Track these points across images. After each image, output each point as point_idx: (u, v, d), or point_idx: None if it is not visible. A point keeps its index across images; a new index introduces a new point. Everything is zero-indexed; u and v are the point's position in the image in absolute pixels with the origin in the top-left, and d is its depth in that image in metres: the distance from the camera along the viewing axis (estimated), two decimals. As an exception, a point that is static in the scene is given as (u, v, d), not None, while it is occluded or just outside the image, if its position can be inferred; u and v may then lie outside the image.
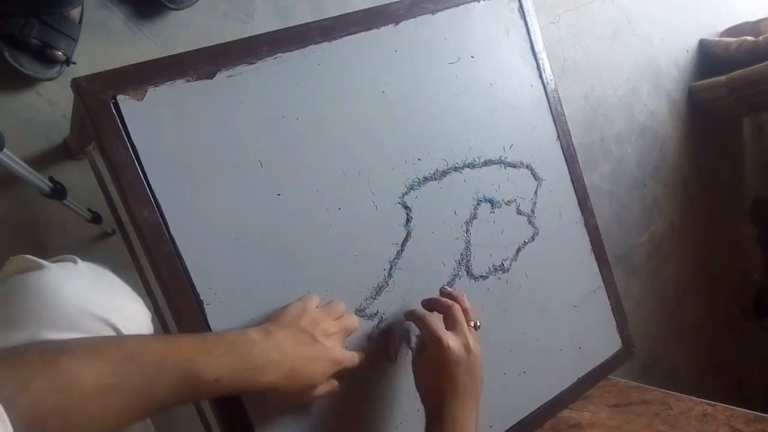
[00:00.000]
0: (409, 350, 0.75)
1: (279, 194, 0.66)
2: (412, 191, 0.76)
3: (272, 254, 0.65)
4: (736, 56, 1.99)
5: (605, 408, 0.96)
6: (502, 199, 0.84)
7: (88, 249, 1.04)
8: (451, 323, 0.67)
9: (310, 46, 0.70)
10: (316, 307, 0.64)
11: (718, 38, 2.11)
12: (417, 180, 0.76)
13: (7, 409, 0.36)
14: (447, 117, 0.80)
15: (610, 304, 0.96)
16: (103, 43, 1.04)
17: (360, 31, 0.73)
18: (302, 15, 1.25)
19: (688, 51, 2.06)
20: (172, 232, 0.60)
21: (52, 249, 1.01)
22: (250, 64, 0.66)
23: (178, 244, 0.60)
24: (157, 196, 0.60)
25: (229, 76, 0.64)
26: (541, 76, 0.89)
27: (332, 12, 1.27)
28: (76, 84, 0.57)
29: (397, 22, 0.76)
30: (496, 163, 0.84)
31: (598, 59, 1.80)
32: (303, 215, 0.68)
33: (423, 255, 0.76)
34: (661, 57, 1.98)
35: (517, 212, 0.86)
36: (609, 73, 1.83)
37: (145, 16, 1.07)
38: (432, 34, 0.79)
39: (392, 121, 0.75)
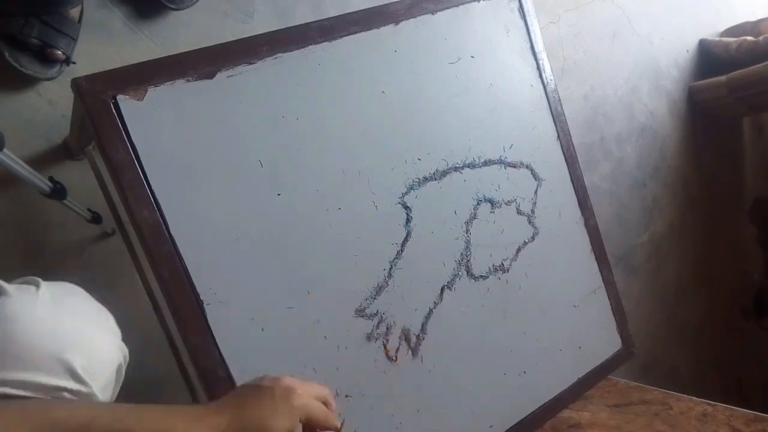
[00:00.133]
0: (409, 350, 0.75)
1: (279, 194, 0.66)
2: (412, 191, 0.76)
3: (272, 254, 0.65)
4: (736, 56, 1.98)
5: (605, 408, 0.96)
6: (502, 199, 0.84)
7: (88, 249, 1.04)
8: None
9: (310, 46, 0.70)
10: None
11: (718, 38, 2.11)
12: (417, 180, 0.76)
13: None
14: (447, 117, 0.79)
15: (610, 304, 0.96)
16: (103, 43, 1.04)
17: (360, 31, 0.73)
18: (302, 15, 1.25)
19: (688, 51, 2.06)
20: (172, 232, 0.60)
21: (52, 249, 1.01)
22: (250, 64, 0.66)
23: (178, 244, 0.60)
24: (157, 196, 0.60)
25: (229, 76, 0.64)
26: (541, 76, 0.89)
27: (332, 12, 1.27)
28: (76, 84, 0.57)
29: (397, 22, 0.76)
30: (496, 163, 0.84)
31: (598, 59, 1.80)
32: (303, 215, 0.68)
33: (423, 255, 0.76)
34: (661, 57, 1.97)
35: (517, 212, 0.86)
36: (609, 73, 1.83)
37: (145, 16, 1.07)
38: (432, 34, 0.79)
39: (392, 121, 0.75)
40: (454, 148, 0.80)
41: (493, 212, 0.83)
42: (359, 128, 0.72)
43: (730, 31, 2.14)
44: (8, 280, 0.55)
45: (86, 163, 0.96)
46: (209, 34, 1.13)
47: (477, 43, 0.83)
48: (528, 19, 0.88)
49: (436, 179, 0.78)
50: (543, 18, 1.67)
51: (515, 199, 0.85)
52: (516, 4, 0.87)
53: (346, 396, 0.70)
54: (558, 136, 0.90)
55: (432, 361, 0.76)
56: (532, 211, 0.87)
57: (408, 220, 0.76)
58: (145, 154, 0.59)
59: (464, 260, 0.80)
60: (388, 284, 0.73)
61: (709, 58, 2.08)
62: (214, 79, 0.64)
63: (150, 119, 0.60)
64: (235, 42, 0.66)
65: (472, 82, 0.82)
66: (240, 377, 0.63)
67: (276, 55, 0.67)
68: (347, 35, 0.72)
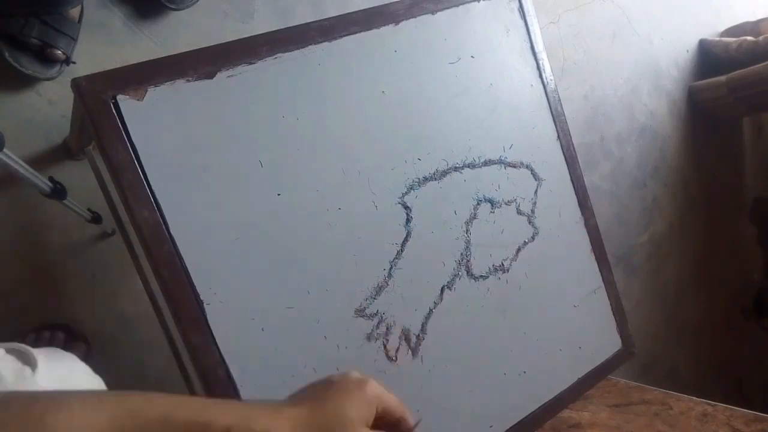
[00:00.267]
0: (409, 350, 0.75)
1: (279, 194, 0.66)
2: (412, 191, 0.76)
3: (272, 254, 0.65)
4: (736, 56, 1.98)
5: (605, 408, 0.96)
6: (502, 199, 0.84)
7: (88, 249, 1.04)
8: None
9: (310, 46, 0.70)
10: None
11: (718, 38, 2.11)
12: (417, 180, 0.76)
13: None
14: (447, 117, 0.79)
15: (610, 304, 0.96)
16: (103, 43, 1.04)
17: (360, 31, 0.73)
18: (302, 15, 1.25)
19: (688, 51, 2.06)
20: (172, 232, 0.60)
21: (53, 249, 1.01)
22: (250, 64, 0.66)
23: (178, 244, 0.60)
24: (157, 196, 0.60)
25: (229, 76, 0.64)
26: (541, 76, 0.89)
27: (332, 12, 1.27)
28: (76, 84, 0.57)
29: (397, 22, 0.76)
30: (496, 163, 0.84)
31: (598, 59, 1.80)
32: (303, 215, 0.68)
33: (423, 255, 0.76)
34: (661, 57, 1.98)
35: (517, 212, 0.86)
36: (609, 73, 1.83)
37: (145, 16, 1.07)
38: (432, 34, 0.79)
39: (392, 121, 0.75)
40: (454, 148, 0.80)
41: (493, 212, 0.83)
42: (359, 128, 0.72)
43: (730, 31, 2.14)
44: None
45: (86, 163, 0.96)
46: (209, 34, 1.13)
47: (477, 43, 0.83)
48: (528, 19, 0.88)
49: (436, 179, 0.78)
50: (543, 18, 1.67)
51: (515, 199, 0.85)
52: (516, 4, 0.87)
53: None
54: (558, 136, 0.90)
55: (432, 361, 0.76)
56: (532, 211, 0.87)
57: (408, 220, 0.76)
58: (145, 154, 0.59)
59: (464, 260, 0.80)
60: (388, 284, 0.73)
61: (709, 58, 2.08)
62: (214, 79, 0.64)
63: (150, 119, 0.60)
64: (235, 42, 0.66)
65: (472, 82, 0.82)
66: (240, 377, 0.63)
67: (276, 55, 0.67)
68: (347, 35, 0.72)
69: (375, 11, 0.75)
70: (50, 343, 0.95)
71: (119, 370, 1.02)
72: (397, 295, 0.74)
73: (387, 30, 0.75)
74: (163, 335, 0.90)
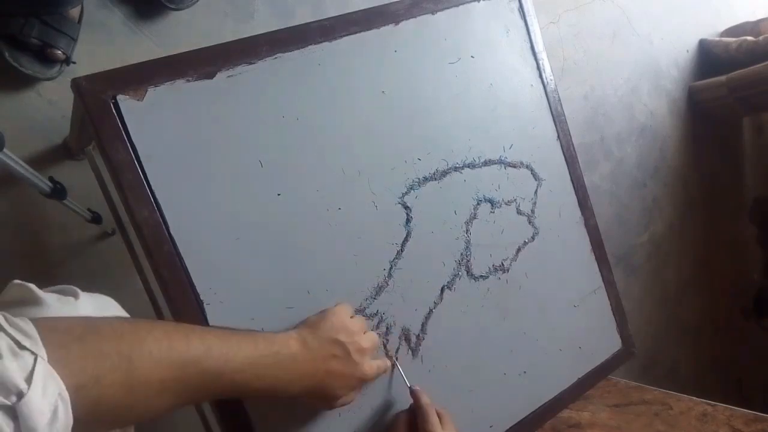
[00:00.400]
0: (409, 350, 0.75)
1: (279, 194, 0.66)
2: (412, 191, 0.76)
3: (272, 254, 0.65)
4: (736, 56, 1.98)
5: (605, 408, 0.96)
6: (502, 199, 0.84)
7: (88, 249, 1.04)
8: (445, 425, 0.69)
9: (310, 46, 0.70)
10: (351, 317, 0.65)
11: (718, 38, 2.11)
12: (417, 180, 0.76)
13: (75, 398, 0.36)
14: (447, 117, 0.79)
15: (610, 304, 0.96)
16: (103, 43, 1.04)
17: (360, 31, 0.73)
18: (302, 15, 1.25)
19: (688, 51, 2.06)
20: (172, 232, 0.60)
21: (53, 249, 1.01)
22: (250, 64, 0.66)
23: (178, 244, 0.60)
24: (157, 196, 0.60)
25: (229, 76, 0.64)
26: (541, 76, 0.89)
27: (332, 12, 1.27)
28: (76, 84, 0.57)
29: (397, 22, 0.76)
30: (496, 163, 0.84)
31: (598, 59, 1.80)
32: (303, 215, 0.68)
33: (423, 255, 0.76)
34: (661, 57, 1.98)
35: (517, 212, 0.86)
36: (609, 73, 1.83)
37: (145, 16, 1.07)
38: (432, 34, 0.79)
39: (392, 121, 0.75)
40: (454, 148, 0.80)
41: (493, 212, 0.83)
42: (359, 128, 0.72)
43: (730, 31, 2.15)
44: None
45: (86, 163, 0.96)
46: (209, 34, 1.13)
47: (477, 43, 0.83)
48: (528, 19, 0.88)
49: (436, 179, 0.78)
50: (543, 18, 1.67)
51: (515, 199, 0.85)
52: (516, 4, 0.87)
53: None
54: (558, 136, 0.90)
55: (432, 361, 0.76)
56: (532, 211, 0.87)
57: (408, 220, 0.76)
58: (145, 154, 0.59)
59: (464, 260, 0.80)
60: (388, 284, 0.73)
61: (709, 58, 2.08)
62: (214, 79, 0.64)
63: (150, 119, 0.60)
64: (235, 42, 0.66)
65: (472, 82, 0.82)
66: (240, 377, 0.63)
67: (276, 55, 0.67)
68: (347, 35, 0.72)
69: (375, 11, 0.75)
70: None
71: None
72: (397, 295, 0.74)
73: (387, 30, 0.75)
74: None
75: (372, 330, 0.72)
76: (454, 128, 0.80)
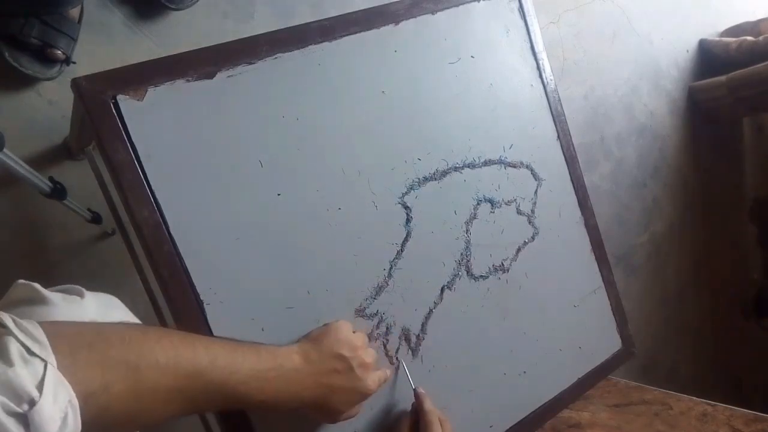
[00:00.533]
0: (409, 350, 0.75)
1: (279, 194, 0.66)
2: (412, 191, 0.76)
3: (272, 254, 0.65)
4: (736, 56, 1.98)
5: (605, 408, 0.96)
6: (502, 199, 0.84)
7: (88, 249, 1.04)
8: None
9: (310, 46, 0.70)
10: (353, 333, 0.65)
11: (718, 38, 2.10)
12: (417, 180, 0.76)
13: (84, 406, 0.37)
14: (447, 117, 0.79)
15: (610, 304, 0.96)
16: (103, 43, 1.04)
17: (360, 31, 0.73)
18: (302, 15, 1.25)
19: (688, 51, 2.06)
20: (172, 232, 0.60)
21: (53, 249, 1.01)
22: (250, 64, 0.66)
23: (178, 244, 0.60)
24: (157, 196, 0.60)
25: (229, 76, 0.64)
26: (541, 76, 0.89)
27: (332, 12, 1.27)
28: (76, 84, 0.57)
29: (397, 22, 0.76)
30: (496, 163, 0.84)
31: (598, 59, 1.80)
32: (303, 215, 0.68)
33: (423, 255, 0.76)
34: (661, 57, 1.97)
35: (517, 212, 0.86)
36: (609, 73, 1.83)
37: (145, 16, 1.07)
38: (432, 34, 0.79)
39: (392, 121, 0.75)
40: (454, 148, 0.80)
41: (493, 212, 0.83)
42: (359, 128, 0.72)
43: (730, 31, 2.14)
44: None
45: (86, 163, 0.96)
46: (209, 34, 1.13)
47: (477, 43, 0.83)
48: (528, 19, 0.88)
49: (436, 179, 0.78)
50: (543, 18, 1.67)
51: (515, 199, 0.85)
52: (516, 4, 0.87)
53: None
54: (558, 136, 0.90)
55: (432, 361, 0.76)
56: (532, 211, 0.87)
57: (408, 220, 0.76)
58: (145, 154, 0.59)
59: (464, 260, 0.80)
60: (388, 284, 0.73)
61: (709, 58, 2.08)
62: (214, 79, 0.64)
63: (150, 119, 0.60)
64: (235, 42, 0.66)
65: (472, 82, 0.82)
66: (240, 377, 0.62)
67: (276, 55, 0.67)
68: (347, 35, 0.72)
69: (375, 11, 0.75)
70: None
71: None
72: (397, 295, 0.74)
73: (387, 30, 0.75)
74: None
75: (372, 330, 0.72)
76: (454, 128, 0.80)
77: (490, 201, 0.83)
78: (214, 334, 0.62)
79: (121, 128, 0.58)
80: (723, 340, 2.19)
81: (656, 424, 0.89)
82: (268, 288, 0.65)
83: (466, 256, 0.80)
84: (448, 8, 0.80)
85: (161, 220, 0.60)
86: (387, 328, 0.73)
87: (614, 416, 0.94)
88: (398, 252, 0.74)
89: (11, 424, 0.32)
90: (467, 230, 0.81)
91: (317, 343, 0.60)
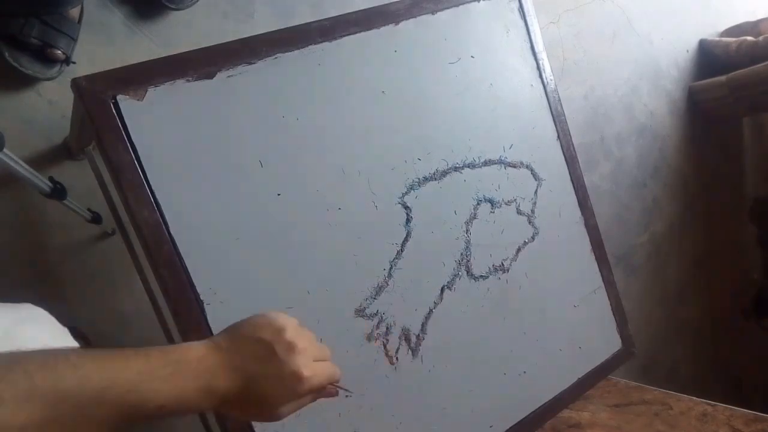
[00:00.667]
0: (409, 350, 0.75)
1: (279, 194, 0.66)
2: (412, 191, 0.76)
3: (272, 254, 0.65)
4: (736, 56, 1.98)
5: (605, 408, 0.96)
6: (502, 199, 0.84)
7: (88, 249, 1.04)
8: None
9: (310, 46, 0.70)
10: (285, 317, 0.55)
11: (718, 38, 2.10)
12: (417, 180, 0.76)
13: None
14: (447, 117, 0.79)
15: (610, 304, 0.96)
16: (103, 43, 1.04)
17: (360, 31, 0.73)
18: (302, 15, 1.25)
19: (688, 51, 2.06)
20: (172, 232, 0.60)
21: (53, 249, 1.01)
22: (250, 64, 0.66)
23: (178, 244, 0.60)
24: (157, 197, 0.60)
25: (229, 76, 0.64)
26: (541, 76, 0.89)
27: (332, 12, 1.27)
28: (76, 84, 0.57)
29: (397, 22, 0.76)
30: (496, 163, 0.84)
31: (598, 59, 1.80)
32: (303, 215, 0.68)
33: (423, 255, 0.76)
34: (661, 57, 1.97)
35: (517, 212, 0.86)
36: (609, 73, 1.83)
37: (145, 16, 1.07)
38: (432, 34, 0.79)
39: (392, 121, 0.75)
40: (454, 148, 0.80)
41: (493, 212, 0.83)
42: (359, 128, 0.72)
43: (730, 31, 2.14)
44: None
45: (86, 163, 0.96)
46: (209, 34, 1.13)
47: (477, 43, 0.83)
48: (528, 19, 0.88)
49: (436, 179, 0.78)
50: (543, 18, 1.67)
51: (515, 199, 0.85)
52: (516, 4, 0.87)
53: (346, 396, 0.70)
54: (558, 136, 0.90)
55: (432, 361, 0.76)
56: (532, 211, 0.87)
57: (408, 220, 0.76)
58: (145, 155, 0.59)
59: (464, 260, 0.80)
60: (388, 284, 0.73)
61: (709, 58, 2.08)
62: (214, 79, 0.64)
63: (150, 119, 0.60)
64: (235, 42, 0.66)
65: (472, 82, 0.82)
66: (240, 377, 0.62)
67: (276, 55, 0.67)
68: (347, 35, 0.72)
69: (375, 11, 0.75)
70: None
71: (119, 370, 1.01)
72: (397, 295, 0.74)
73: (387, 30, 0.75)
74: (163, 335, 0.90)
75: (372, 330, 0.72)
76: (454, 128, 0.80)
77: (490, 201, 0.83)
78: (214, 334, 0.62)
79: (121, 128, 0.58)
80: (723, 340, 2.19)
81: (656, 424, 0.89)
82: (268, 288, 0.65)
83: (466, 256, 0.80)
84: (448, 8, 0.80)
85: (161, 220, 0.60)
86: (387, 328, 0.73)
87: (614, 416, 0.94)
88: (398, 252, 0.74)
89: None
90: (467, 230, 0.81)
91: (232, 329, 0.52)
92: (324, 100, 0.70)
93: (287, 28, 0.70)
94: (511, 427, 0.83)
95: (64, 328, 0.59)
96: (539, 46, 0.89)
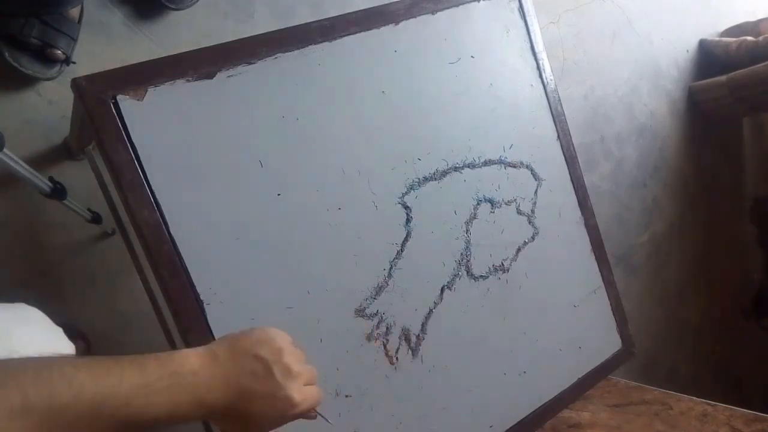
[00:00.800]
0: (409, 350, 0.75)
1: (279, 194, 0.66)
2: (412, 191, 0.76)
3: (272, 254, 0.65)
4: (736, 56, 1.98)
5: (605, 408, 0.96)
6: (502, 199, 0.84)
7: (88, 249, 1.04)
8: None
9: (310, 46, 0.70)
10: (286, 338, 0.54)
11: (718, 38, 2.10)
12: (417, 180, 0.76)
13: None
14: (447, 117, 0.79)
15: (610, 304, 0.96)
16: (103, 43, 1.04)
17: (360, 31, 0.73)
18: (302, 15, 1.25)
19: (688, 51, 2.06)
20: (172, 232, 0.60)
21: (53, 249, 1.01)
22: (250, 64, 0.66)
23: (178, 244, 0.60)
24: (157, 197, 0.60)
25: (229, 76, 0.64)
26: (541, 76, 0.89)
27: (332, 12, 1.27)
28: (76, 84, 0.57)
29: (397, 22, 0.76)
30: (496, 163, 0.84)
31: (598, 59, 1.80)
32: (303, 215, 0.68)
33: (423, 255, 0.76)
34: (661, 57, 1.97)
35: (517, 212, 0.86)
36: (609, 73, 1.83)
37: (145, 16, 1.07)
38: (432, 34, 0.79)
39: (392, 121, 0.75)
40: (454, 148, 0.80)
41: (493, 212, 0.83)
42: (359, 128, 0.72)
43: (730, 31, 2.14)
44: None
45: (86, 163, 0.96)
46: (209, 34, 1.13)
47: (477, 43, 0.83)
48: (528, 19, 0.88)
49: (436, 179, 0.78)
50: (543, 18, 1.67)
51: (515, 199, 0.85)
52: (516, 4, 0.87)
53: (347, 396, 0.70)
54: (558, 136, 0.90)
55: (432, 361, 0.76)
56: (532, 211, 0.87)
57: (408, 220, 0.76)
58: (145, 155, 0.59)
59: (464, 260, 0.80)
60: (388, 284, 0.73)
61: (709, 58, 2.08)
62: (214, 79, 0.64)
63: (150, 119, 0.60)
64: (235, 42, 0.66)
65: (472, 82, 0.82)
66: (240, 377, 0.62)
67: (276, 55, 0.67)
68: (347, 35, 0.72)
69: (375, 11, 0.75)
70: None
71: (119, 370, 1.01)
72: (397, 295, 0.74)
73: (387, 30, 0.75)
74: (163, 335, 0.90)
75: (372, 330, 0.72)
76: (454, 128, 0.80)
77: (490, 201, 0.83)
78: (214, 334, 0.62)
79: (121, 128, 0.58)
80: (723, 340, 2.19)
81: (656, 424, 0.89)
82: (268, 288, 0.65)
83: (466, 256, 0.80)
84: (448, 8, 0.80)
85: (161, 220, 0.60)
86: (387, 328, 0.73)
87: (614, 416, 0.94)
88: (398, 252, 0.74)
89: None
90: (467, 230, 0.81)
91: (231, 341, 0.51)
92: (324, 100, 0.70)
93: (287, 28, 0.70)
94: (511, 427, 0.83)
95: (57, 328, 0.59)
96: (539, 46, 0.89)
